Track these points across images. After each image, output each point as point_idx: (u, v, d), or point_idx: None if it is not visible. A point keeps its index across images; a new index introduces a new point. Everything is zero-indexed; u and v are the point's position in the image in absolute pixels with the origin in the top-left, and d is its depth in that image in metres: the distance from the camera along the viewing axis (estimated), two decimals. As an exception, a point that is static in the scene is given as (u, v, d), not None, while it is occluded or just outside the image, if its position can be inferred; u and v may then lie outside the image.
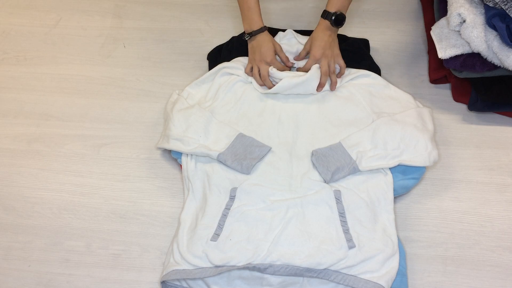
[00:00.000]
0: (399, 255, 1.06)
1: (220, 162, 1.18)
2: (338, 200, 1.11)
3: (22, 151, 1.34)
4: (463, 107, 1.36)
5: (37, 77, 1.50)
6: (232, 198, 1.13)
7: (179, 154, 1.23)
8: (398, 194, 1.17)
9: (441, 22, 1.28)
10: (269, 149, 1.20)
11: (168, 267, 1.06)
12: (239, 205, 1.12)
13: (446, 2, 1.28)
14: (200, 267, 1.05)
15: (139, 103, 1.42)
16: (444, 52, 1.25)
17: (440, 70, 1.37)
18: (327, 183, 1.14)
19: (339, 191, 1.13)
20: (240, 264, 1.03)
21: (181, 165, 1.23)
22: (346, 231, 1.07)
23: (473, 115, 1.34)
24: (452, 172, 1.24)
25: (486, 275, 1.10)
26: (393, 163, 1.15)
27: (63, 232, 1.20)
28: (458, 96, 1.35)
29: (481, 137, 1.30)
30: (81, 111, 1.41)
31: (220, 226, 1.10)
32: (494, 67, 1.21)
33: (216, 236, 1.08)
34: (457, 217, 1.17)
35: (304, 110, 1.27)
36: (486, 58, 1.20)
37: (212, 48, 1.48)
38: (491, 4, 1.15)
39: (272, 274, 1.02)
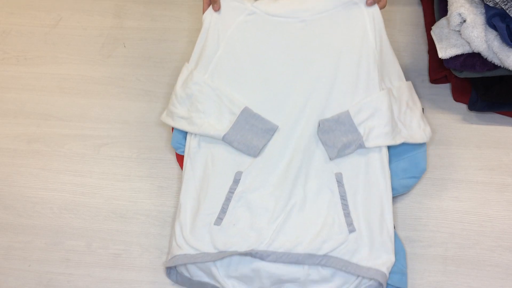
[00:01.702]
0: (400, 255, 1.07)
1: (226, 143, 1.15)
2: (340, 183, 1.10)
3: (22, 151, 1.34)
4: (463, 107, 1.36)
5: (37, 77, 1.50)
6: (236, 181, 1.12)
7: (179, 144, 1.20)
8: (399, 193, 1.17)
9: (441, 22, 1.28)
10: (277, 128, 1.15)
11: (172, 252, 1.07)
12: (242, 189, 1.11)
13: (446, 2, 1.28)
14: (203, 251, 1.05)
15: (139, 103, 1.42)
16: (444, 52, 1.25)
17: (440, 70, 1.37)
18: (332, 159, 1.12)
19: (341, 173, 1.12)
20: (242, 249, 1.03)
21: (178, 157, 1.22)
22: (347, 214, 1.07)
23: (473, 115, 1.34)
24: (452, 172, 1.24)
25: (486, 275, 1.10)
26: (398, 140, 1.13)
27: (63, 232, 1.20)
28: (458, 96, 1.36)
29: (481, 137, 1.30)
30: (81, 111, 1.41)
31: (224, 210, 1.09)
32: (494, 67, 1.21)
33: (219, 220, 1.08)
34: (457, 217, 1.18)
35: (313, 86, 1.18)
36: (486, 58, 1.20)
37: (212, 48, 1.48)
38: (491, 4, 1.15)
39: (274, 262, 1.02)
